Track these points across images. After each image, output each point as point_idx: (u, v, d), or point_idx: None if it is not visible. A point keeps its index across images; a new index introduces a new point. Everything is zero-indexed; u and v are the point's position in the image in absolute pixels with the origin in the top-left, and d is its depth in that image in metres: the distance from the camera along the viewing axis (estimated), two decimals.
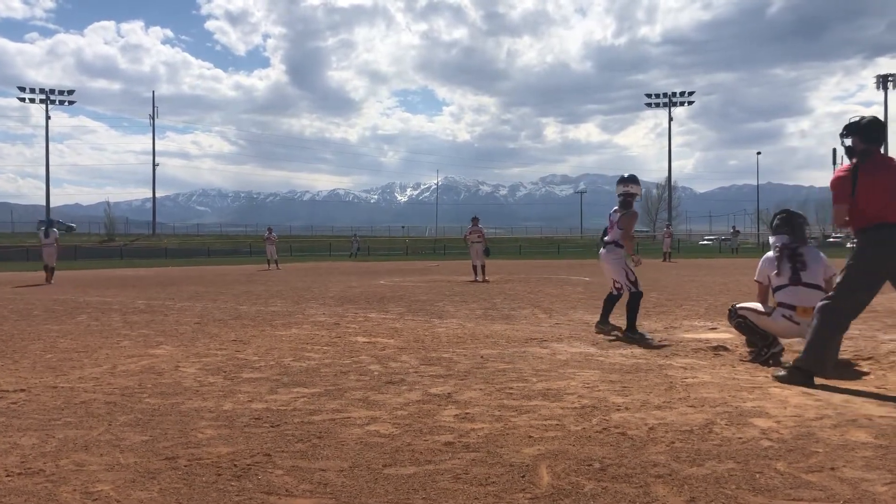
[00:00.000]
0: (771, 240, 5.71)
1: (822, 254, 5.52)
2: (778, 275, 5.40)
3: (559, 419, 3.64)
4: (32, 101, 71.28)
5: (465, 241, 18.90)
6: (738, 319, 5.54)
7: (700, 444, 3.18)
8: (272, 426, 3.58)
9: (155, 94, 79.88)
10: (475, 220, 18.37)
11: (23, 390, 4.55)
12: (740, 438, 3.25)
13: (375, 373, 5.04)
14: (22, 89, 72.34)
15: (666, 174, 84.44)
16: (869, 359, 5.36)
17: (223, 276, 22.27)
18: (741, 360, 5.38)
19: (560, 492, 2.60)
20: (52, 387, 4.66)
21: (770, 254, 5.62)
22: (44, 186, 72.10)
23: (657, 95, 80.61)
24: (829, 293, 4.66)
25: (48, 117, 70.57)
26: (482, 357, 5.67)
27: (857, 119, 4.56)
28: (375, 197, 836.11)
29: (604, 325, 7.13)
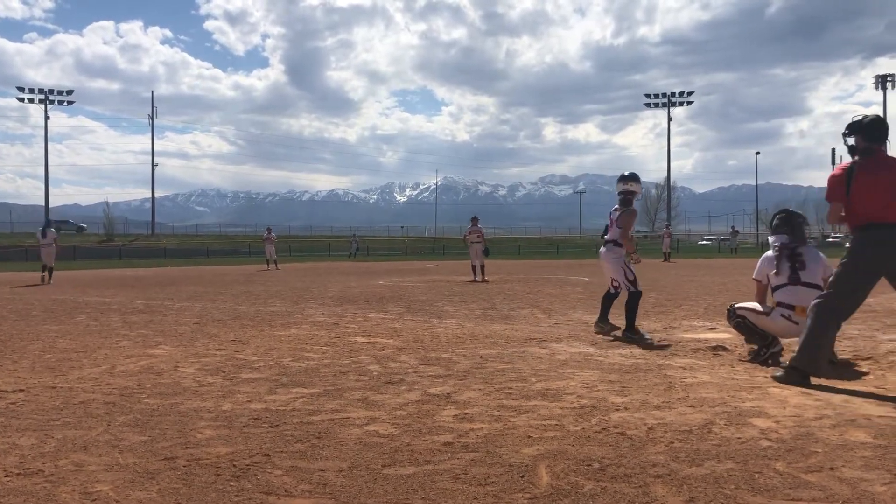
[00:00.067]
0: (770, 239, 5.71)
1: (821, 254, 5.52)
2: (777, 274, 5.40)
3: (558, 419, 3.64)
4: (31, 101, 71.17)
5: (464, 241, 18.88)
6: (737, 319, 5.54)
7: (699, 444, 3.18)
8: (271, 426, 3.58)
9: (154, 94, 79.76)
10: (474, 221, 18.35)
11: (22, 390, 4.55)
12: (739, 438, 3.25)
13: (374, 373, 5.04)
14: (21, 89, 72.27)
15: (665, 174, 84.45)
16: (868, 359, 5.37)
17: (222, 276, 22.26)
18: (740, 360, 5.38)
19: (559, 492, 2.60)
20: (51, 387, 4.65)
21: (769, 253, 5.62)
22: (43, 186, 72.13)
23: (656, 95, 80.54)
24: (824, 291, 4.66)
25: (47, 117, 70.48)
26: (481, 357, 5.67)
27: (860, 118, 4.55)
28: (374, 197, 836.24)
29: (603, 325, 7.13)
